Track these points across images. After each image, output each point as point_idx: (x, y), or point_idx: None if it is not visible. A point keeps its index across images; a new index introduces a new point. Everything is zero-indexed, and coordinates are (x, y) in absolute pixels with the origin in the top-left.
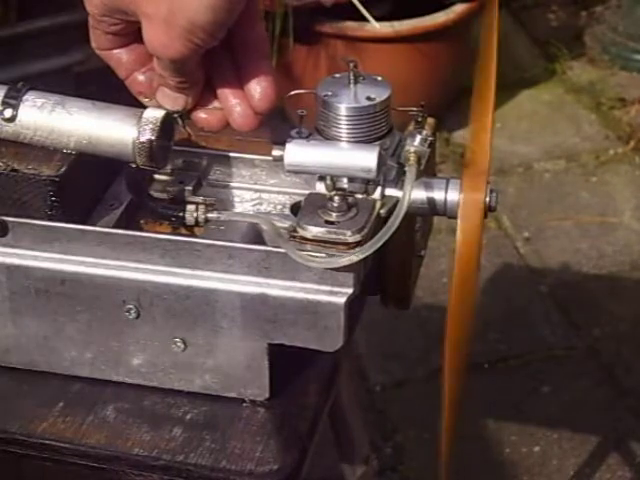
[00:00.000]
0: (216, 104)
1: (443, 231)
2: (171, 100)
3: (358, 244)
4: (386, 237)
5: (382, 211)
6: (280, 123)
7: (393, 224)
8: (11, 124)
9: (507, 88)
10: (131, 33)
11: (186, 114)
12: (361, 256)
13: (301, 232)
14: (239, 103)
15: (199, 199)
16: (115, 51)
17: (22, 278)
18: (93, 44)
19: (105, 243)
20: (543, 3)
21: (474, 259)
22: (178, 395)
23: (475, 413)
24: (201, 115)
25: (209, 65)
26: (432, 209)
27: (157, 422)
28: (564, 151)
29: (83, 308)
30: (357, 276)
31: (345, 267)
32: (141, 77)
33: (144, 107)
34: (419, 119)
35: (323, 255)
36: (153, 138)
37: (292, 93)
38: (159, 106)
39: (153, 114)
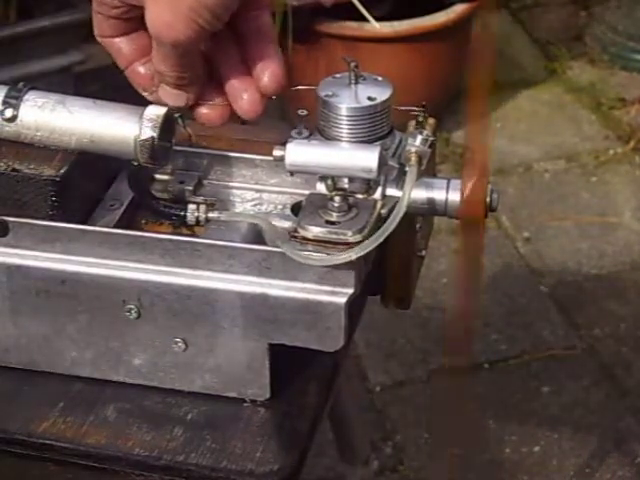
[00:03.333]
0: (217, 100)
1: (443, 231)
2: (172, 97)
3: (359, 244)
4: (384, 236)
5: (383, 211)
6: (280, 123)
7: (391, 223)
8: (12, 124)
9: (507, 88)
10: (133, 19)
11: (189, 110)
12: (359, 254)
13: (302, 232)
14: (246, 89)
15: (200, 199)
16: (116, 39)
17: (23, 278)
18: (95, 31)
19: (106, 243)
20: (543, 3)
21: (475, 259)
22: (179, 395)
23: (475, 413)
24: (202, 110)
25: (215, 53)
26: (433, 209)
27: (158, 422)
28: (564, 151)
29: (84, 308)
30: (358, 276)
31: (345, 267)
32: (141, 68)
33: (145, 105)
34: (421, 119)
35: (323, 255)
36: (155, 135)
37: (294, 89)
38: (159, 100)
39: (154, 111)
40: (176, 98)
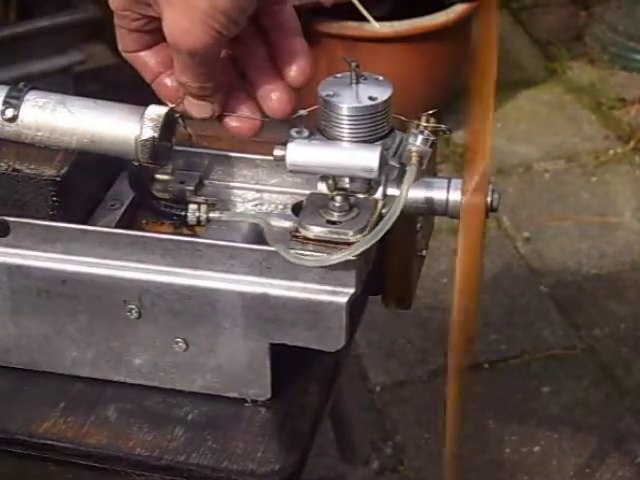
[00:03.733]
0: (246, 110)
1: (444, 231)
2: (197, 108)
3: None
4: (379, 235)
5: (384, 211)
6: (281, 123)
7: (387, 222)
8: (13, 124)
9: (507, 88)
10: (155, 32)
11: (218, 121)
12: (354, 252)
13: (303, 232)
14: (274, 89)
15: (201, 199)
16: (141, 53)
17: (23, 278)
18: (120, 47)
19: (106, 243)
20: (543, 3)
21: (476, 259)
22: (180, 395)
23: (475, 413)
24: (232, 123)
25: (242, 56)
26: (434, 209)
27: (159, 422)
28: (564, 151)
29: (84, 308)
30: (358, 276)
31: (346, 267)
32: (167, 80)
33: (145, 104)
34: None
35: (322, 255)
36: (155, 135)
37: (296, 115)
38: (185, 111)
39: (155, 111)
40: (201, 109)
